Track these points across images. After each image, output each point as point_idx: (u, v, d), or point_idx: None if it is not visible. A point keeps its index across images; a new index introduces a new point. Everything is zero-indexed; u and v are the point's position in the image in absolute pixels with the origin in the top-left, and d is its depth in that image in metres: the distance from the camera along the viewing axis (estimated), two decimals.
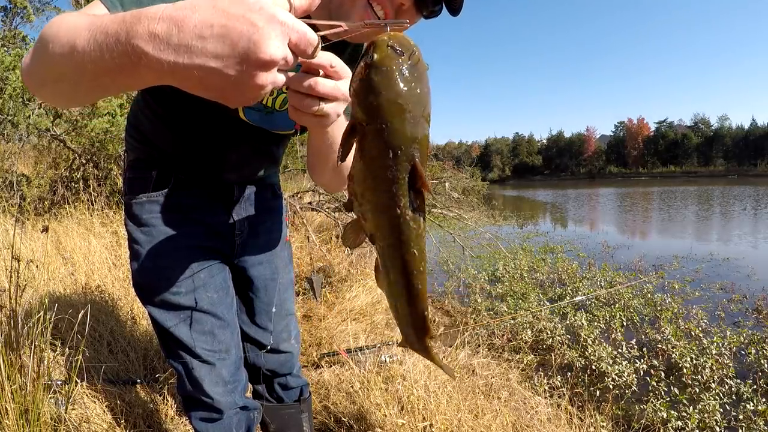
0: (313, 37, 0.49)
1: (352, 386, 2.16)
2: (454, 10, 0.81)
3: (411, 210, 0.48)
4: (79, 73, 0.55)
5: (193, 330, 1.05)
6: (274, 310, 1.24)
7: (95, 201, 4.69)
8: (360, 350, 2.56)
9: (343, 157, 0.52)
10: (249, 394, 1.29)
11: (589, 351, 3.42)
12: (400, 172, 0.47)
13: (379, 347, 2.60)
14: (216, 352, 1.08)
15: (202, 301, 1.06)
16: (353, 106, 0.50)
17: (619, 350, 3.39)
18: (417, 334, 0.57)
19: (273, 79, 0.49)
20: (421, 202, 0.49)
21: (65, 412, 1.54)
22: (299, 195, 6.28)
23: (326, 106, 0.59)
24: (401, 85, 0.46)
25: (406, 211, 0.48)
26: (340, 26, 0.54)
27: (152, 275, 1.03)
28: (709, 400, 2.70)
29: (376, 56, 0.46)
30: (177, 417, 1.89)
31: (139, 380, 2.04)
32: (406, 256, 0.51)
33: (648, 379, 3.05)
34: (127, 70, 0.50)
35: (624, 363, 3.19)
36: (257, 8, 0.46)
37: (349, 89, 0.52)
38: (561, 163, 78.60)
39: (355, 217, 0.55)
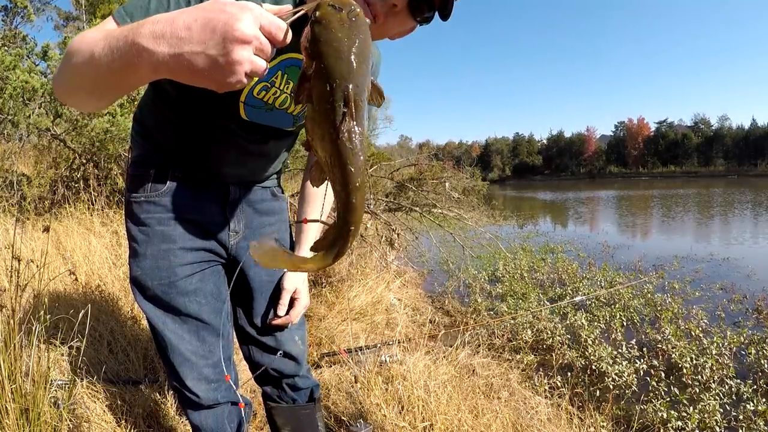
0: (282, 23, 0.58)
1: (352, 386, 2.16)
2: (445, 15, 0.85)
3: (346, 133, 0.56)
4: (96, 77, 0.66)
5: (180, 331, 1.08)
6: (272, 312, 1.24)
7: (95, 201, 4.69)
8: (360, 350, 2.56)
9: (296, 100, 0.60)
10: (251, 393, 1.29)
11: (589, 351, 3.42)
12: (336, 101, 0.55)
13: (379, 347, 2.60)
14: (200, 352, 1.10)
15: (191, 305, 1.08)
16: (304, 58, 0.58)
17: (619, 350, 3.39)
18: (339, 240, 0.64)
19: (249, 56, 0.56)
20: (353, 126, 0.56)
21: (65, 412, 1.54)
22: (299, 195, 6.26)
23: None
24: (337, 33, 0.55)
25: (342, 134, 0.56)
26: (301, 10, 0.63)
27: (146, 274, 1.05)
28: (709, 400, 2.70)
29: (318, 13, 0.55)
30: (177, 417, 1.89)
31: (139, 380, 2.04)
32: (344, 172, 0.58)
33: (648, 379, 3.05)
34: (132, 67, 0.61)
35: (624, 363, 3.18)
36: (231, 3, 0.57)
37: (301, 45, 0.59)
38: (561, 163, 78.52)
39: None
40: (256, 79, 0.77)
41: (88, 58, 0.65)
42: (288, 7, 0.63)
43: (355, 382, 2.15)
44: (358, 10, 0.57)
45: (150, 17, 0.61)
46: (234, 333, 1.26)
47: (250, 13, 0.56)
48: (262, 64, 0.58)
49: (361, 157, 0.58)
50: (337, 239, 0.63)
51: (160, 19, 0.59)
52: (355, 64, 0.55)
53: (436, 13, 0.84)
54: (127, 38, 0.60)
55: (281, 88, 0.96)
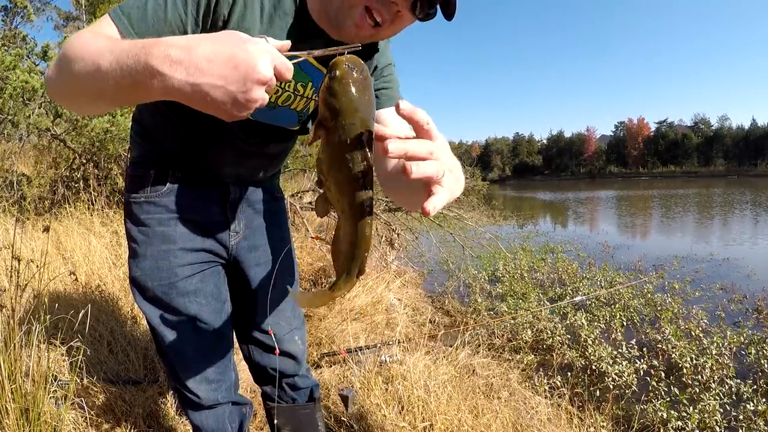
0: (289, 64, 0.65)
1: (352, 386, 2.16)
2: (449, 15, 0.84)
3: (362, 180, 0.63)
4: (100, 89, 0.67)
5: (180, 331, 1.08)
6: (274, 311, 1.24)
7: (95, 201, 4.69)
8: (360, 350, 2.56)
9: (311, 141, 0.66)
10: (251, 393, 1.29)
11: (589, 351, 3.42)
12: (354, 153, 0.62)
13: (379, 347, 2.60)
14: (200, 353, 1.10)
15: (191, 306, 1.08)
16: (320, 107, 0.63)
17: (619, 350, 3.39)
18: (358, 270, 0.72)
19: (263, 95, 0.62)
20: (368, 174, 0.64)
21: (65, 412, 1.54)
22: (299, 195, 6.28)
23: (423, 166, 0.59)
24: (354, 92, 0.61)
25: (359, 181, 0.63)
26: (303, 55, 0.71)
27: (146, 275, 1.05)
28: (709, 400, 2.70)
29: (337, 72, 0.61)
30: (177, 417, 1.89)
31: (139, 380, 2.04)
32: (361, 212, 0.66)
33: (648, 379, 3.05)
34: (143, 87, 0.62)
35: (624, 363, 3.18)
36: (251, 42, 0.61)
37: (319, 96, 0.65)
38: (561, 163, 78.66)
39: (322, 191, 0.71)
40: None
41: (93, 70, 0.66)
42: (288, 44, 0.69)
43: (349, 375, 2.15)
44: (366, 70, 0.64)
45: (162, 39, 0.62)
46: (234, 333, 1.26)
47: (269, 56, 0.61)
48: (267, 99, 0.64)
49: (372, 198, 0.66)
50: (357, 264, 0.71)
51: (175, 43, 0.61)
52: (370, 120, 0.63)
53: (439, 11, 0.84)
54: (139, 58, 0.61)
55: (283, 86, 0.96)
